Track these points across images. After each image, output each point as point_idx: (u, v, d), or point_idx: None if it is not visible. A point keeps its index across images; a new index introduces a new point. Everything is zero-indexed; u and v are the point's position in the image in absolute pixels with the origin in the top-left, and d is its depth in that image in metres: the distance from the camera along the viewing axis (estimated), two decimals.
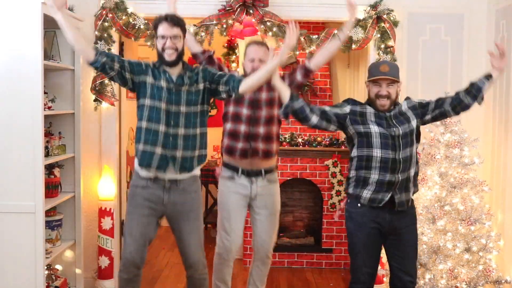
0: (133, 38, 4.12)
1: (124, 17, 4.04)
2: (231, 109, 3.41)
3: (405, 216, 2.93)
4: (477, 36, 4.27)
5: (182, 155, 2.97)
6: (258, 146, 3.34)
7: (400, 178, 2.84)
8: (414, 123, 2.93)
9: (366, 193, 2.88)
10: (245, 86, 2.97)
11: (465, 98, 2.98)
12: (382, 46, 4.12)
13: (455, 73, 4.30)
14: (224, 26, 4.11)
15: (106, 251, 4.07)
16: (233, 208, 3.40)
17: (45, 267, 3.39)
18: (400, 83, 2.96)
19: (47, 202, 3.42)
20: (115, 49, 4.15)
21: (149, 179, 3.01)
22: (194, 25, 4.08)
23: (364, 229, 2.90)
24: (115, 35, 4.14)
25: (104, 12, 4.04)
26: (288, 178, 5.02)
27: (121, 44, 4.53)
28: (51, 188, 3.65)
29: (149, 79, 3.00)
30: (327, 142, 5.02)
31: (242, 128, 3.35)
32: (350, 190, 2.96)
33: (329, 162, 4.95)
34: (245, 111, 3.36)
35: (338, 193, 5.00)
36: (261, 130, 3.35)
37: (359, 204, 2.91)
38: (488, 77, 2.99)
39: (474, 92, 2.98)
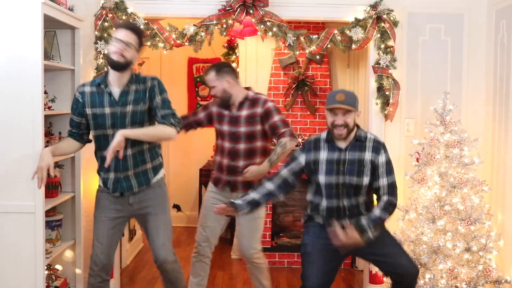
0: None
1: (124, 17, 4.04)
2: (217, 141, 3.59)
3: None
4: (477, 36, 4.27)
5: (134, 173, 3.01)
6: (237, 179, 3.45)
7: (347, 221, 2.88)
8: (366, 179, 2.88)
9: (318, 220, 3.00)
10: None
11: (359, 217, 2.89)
12: (382, 46, 4.13)
13: (455, 73, 4.30)
14: (224, 26, 4.11)
15: None
16: (208, 206, 3.51)
17: (45, 267, 3.38)
18: (357, 112, 2.91)
19: (47, 202, 3.42)
20: None
21: None
22: (194, 25, 4.08)
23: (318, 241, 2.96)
24: None
25: (104, 12, 4.04)
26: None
27: None
28: (51, 188, 3.65)
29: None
30: None
31: (224, 161, 3.50)
32: (304, 218, 3.11)
33: None
34: (226, 145, 3.47)
35: None
36: (241, 163, 3.43)
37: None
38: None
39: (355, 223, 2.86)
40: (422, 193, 3.79)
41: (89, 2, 4.10)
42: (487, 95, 4.23)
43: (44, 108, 3.42)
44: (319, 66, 5.23)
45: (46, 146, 3.54)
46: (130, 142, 2.94)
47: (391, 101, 4.14)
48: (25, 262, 3.25)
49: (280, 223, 5.31)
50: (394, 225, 3.99)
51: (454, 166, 3.71)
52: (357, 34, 4.09)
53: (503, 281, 3.68)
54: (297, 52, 4.21)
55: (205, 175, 5.82)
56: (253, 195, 2.96)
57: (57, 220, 3.76)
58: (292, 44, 4.09)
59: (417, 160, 3.88)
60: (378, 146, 2.91)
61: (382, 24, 4.10)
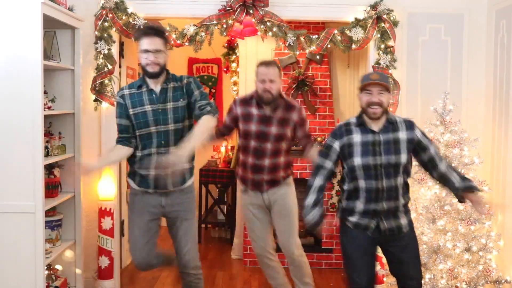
0: (133, 38, 4.12)
1: (124, 17, 4.05)
2: (241, 140, 3.62)
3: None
4: (477, 36, 4.27)
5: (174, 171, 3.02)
6: (263, 177, 3.54)
7: (385, 206, 2.84)
8: (404, 157, 2.84)
9: (352, 219, 2.93)
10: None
11: (454, 186, 2.90)
12: (382, 46, 4.13)
13: (455, 73, 4.30)
14: (224, 26, 4.11)
15: (106, 251, 4.07)
16: (250, 219, 3.68)
17: (45, 267, 3.39)
18: (391, 95, 2.93)
19: (47, 202, 3.42)
20: (115, 49, 4.15)
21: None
22: (194, 25, 4.08)
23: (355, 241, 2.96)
24: (115, 35, 4.14)
25: (104, 12, 4.04)
26: None
27: (121, 44, 4.53)
28: (51, 188, 3.65)
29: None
30: None
31: (250, 159, 3.55)
32: (339, 215, 3.05)
33: None
34: (252, 143, 3.52)
35: (338, 193, 5.00)
36: (266, 162, 3.51)
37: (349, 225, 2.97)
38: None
39: (465, 187, 2.88)
40: (422, 193, 3.79)
41: (89, 2, 4.10)
42: (487, 95, 4.23)
43: (44, 108, 3.42)
44: (319, 66, 5.23)
45: (46, 146, 3.55)
46: (173, 140, 3.02)
47: (391, 101, 4.13)
48: (25, 262, 3.25)
49: None
50: None
51: (454, 166, 3.71)
52: (357, 34, 4.09)
53: (503, 281, 3.68)
54: (297, 52, 4.21)
55: (205, 175, 5.82)
56: (315, 198, 2.92)
57: (57, 220, 3.76)
58: (292, 44, 4.09)
59: None
60: (411, 124, 2.91)
61: (382, 24, 4.10)
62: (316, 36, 4.13)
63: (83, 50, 4.02)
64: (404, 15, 4.22)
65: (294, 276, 3.72)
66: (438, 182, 3.03)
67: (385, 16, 4.10)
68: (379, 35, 4.12)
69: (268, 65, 3.47)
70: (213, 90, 6.68)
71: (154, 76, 2.99)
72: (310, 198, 2.91)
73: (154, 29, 2.98)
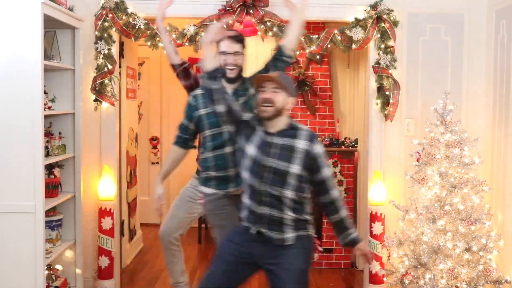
0: (133, 38, 4.12)
1: (124, 17, 4.05)
2: None
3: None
4: (477, 36, 4.27)
5: None
6: None
7: (267, 212, 2.58)
8: (295, 168, 2.55)
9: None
10: (290, 45, 3.17)
11: (338, 233, 2.71)
12: (382, 46, 4.12)
13: (455, 73, 4.30)
14: (224, 26, 4.11)
15: (106, 251, 4.07)
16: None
17: (45, 267, 3.38)
18: (290, 98, 2.64)
19: (47, 202, 3.42)
20: (115, 49, 4.15)
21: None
22: (194, 25, 4.08)
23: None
24: (115, 35, 4.14)
25: (104, 12, 4.04)
26: None
27: (121, 44, 4.53)
28: (51, 188, 3.65)
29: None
30: (327, 142, 5.02)
31: None
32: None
33: (329, 162, 4.95)
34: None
35: None
36: None
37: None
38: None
39: (346, 243, 2.70)
40: (422, 193, 3.78)
41: (89, 2, 4.10)
42: (487, 95, 4.22)
43: (44, 108, 3.42)
44: (319, 66, 5.23)
45: (46, 146, 3.55)
46: None
47: (391, 101, 4.14)
48: (25, 262, 3.25)
49: None
50: (394, 225, 3.99)
51: (455, 166, 3.71)
52: (357, 34, 4.09)
53: (503, 281, 3.68)
54: (297, 52, 4.21)
55: None
56: None
57: (57, 220, 3.76)
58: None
59: (417, 160, 3.87)
60: (312, 136, 2.68)
61: (382, 24, 4.10)
62: (316, 36, 4.13)
63: (83, 50, 4.02)
64: (404, 15, 4.22)
65: None
66: (325, 213, 2.73)
67: (385, 16, 4.10)
68: (379, 35, 4.12)
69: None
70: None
71: (233, 81, 3.06)
72: None
73: (233, 34, 3.11)
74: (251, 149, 2.63)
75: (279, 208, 2.58)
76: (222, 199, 3.10)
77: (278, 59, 3.20)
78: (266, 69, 3.18)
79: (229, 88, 3.06)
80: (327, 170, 2.64)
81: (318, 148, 2.61)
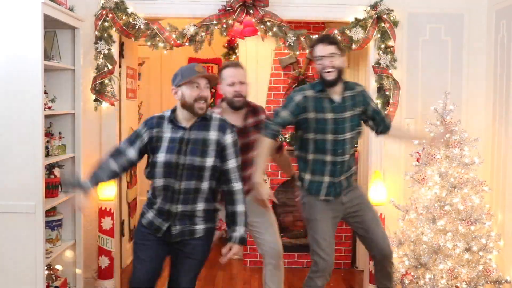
0: (133, 38, 4.13)
1: (124, 17, 4.05)
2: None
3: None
4: (477, 36, 4.27)
5: (345, 177, 3.18)
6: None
7: (179, 209, 2.65)
8: (210, 161, 2.63)
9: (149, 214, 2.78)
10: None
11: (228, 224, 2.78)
12: (382, 46, 4.13)
13: (455, 73, 4.30)
14: (224, 26, 4.11)
15: (106, 251, 4.07)
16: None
17: (45, 267, 3.38)
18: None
19: (47, 202, 3.42)
20: (115, 49, 4.15)
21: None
22: (194, 25, 4.08)
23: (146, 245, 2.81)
24: (115, 35, 4.14)
25: (104, 12, 4.04)
26: (288, 178, 5.01)
27: (121, 44, 4.53)
28: (51, 188, 3.64)
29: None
30: None
31: None
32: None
33: None
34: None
35: None
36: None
37: None
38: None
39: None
40: (422, 193, 3.79)
41: (89, 2, 4.10)
42: (487, 95, 4.22)
43: (44, 108, 3.42)
44: None
45: (46, 146, 3.55)
46: (348, 149, 3.10)
47: (391, 101, 4.14)
48: (25, 262, 3.25)
49: (280, 223, 5.30)
50: (394, 225, 3.99)
51: (455, 166, 3.71)
52: (357, 34, 4.09)
53: (503, 281, 3.68)
54: (297, 52, 4.21)
55: None
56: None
57: (57, 220, 3.76)
58: (292, 44, 4.09)
59: (418, 160, 3.88)
60: (224, 125, 2.72)
61: (382, 24, 4.10)
62: (316, 36, 4.13)
63: (83, 50, 4.02)
64: (404, 15, 4.22)
65: (272, 282, 3.30)
66: (225, 201, 2.75)
67: (385, 16, 4.10)
68: (379, 35, 4.12)
69: (236, 66, 3.17)
70: (213, 90, 6.67)
71: (332, 83, 3.03)
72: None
73: (328, 38, 3.16)
74: (162, 156, 2.68)
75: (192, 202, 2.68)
76: (316, 201, 3.16)
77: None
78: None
79: (334, 94, 3.07)
80: (233, 162, 2.68)
81: (229, 138, 2.67)
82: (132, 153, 2.71)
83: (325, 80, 3.02)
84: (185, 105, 2.63)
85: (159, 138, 2.66)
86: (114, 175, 2.76)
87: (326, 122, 3.03)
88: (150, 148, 2.69)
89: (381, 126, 3.24)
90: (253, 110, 3.27)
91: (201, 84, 2.63)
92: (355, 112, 3.11)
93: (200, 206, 2.69)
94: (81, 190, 2.69)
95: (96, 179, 2.73)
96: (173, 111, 2.72)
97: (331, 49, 3.02)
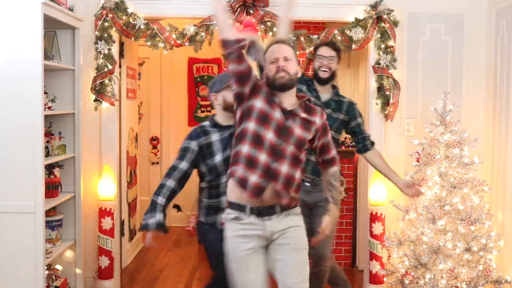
0: (133, 38, 4.12)
1: (124, 17, 4.05)
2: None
3: None
4: (477, 36, 4.27)
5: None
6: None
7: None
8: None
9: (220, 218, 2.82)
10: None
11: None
12: (382, 46, 4.12)
13: (455, 73, 4.30)
14: None
15: (106, 251, 4.07)
16: None
17: (45, 267, 3.38)
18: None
19: (47, 202, 3.42)
20: (115, 49, 4.15)
21: None
22: (194, 25, 4.08)
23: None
24: (115, 35, 4.14)
25: (104, 12, 4.04)
26: None
27: (121, 44, 4.53)
28: (51, 188, 3.65)
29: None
30: None
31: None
32: (202, 219, 2.90)
33: None
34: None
35: None
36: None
37: None
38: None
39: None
40: None
41: (89, 2, 4.10)
42: (487, 95, 4.22)
43: (44, 108, 3.42)
44: None
45: (46, 146, 3.55)
46: None
47: (391, 101, 4.14)
48: (25, 262, 3.25)
49: None
50: (394, 225, 3.99)
51: (454, 166, 3.71)
52: (357, 34, 4.09)
53: (503, 281, 3.68)
54: (297, 52, 4.21)
55: None
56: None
57: (57, 220, 3.76)
58: (292, 44, 4.09)
59: (417, 160, 3.87)
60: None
61: (382, 24, 4.10)
62: (316, 36, 4.13)
63: (83, 50, 4.02)
64: (404, 15, 4.22)
65: None
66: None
67: (385, 16, 4.10)
68: (379, 35, 4.12)
69: (281, 43, 2.70)
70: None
71: (324, 81, 3.35)
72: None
73: (331, 43, 3.54)
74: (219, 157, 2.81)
75: None
76: None
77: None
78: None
79: (322, 92, 3.38)
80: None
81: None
82: (185, 165, 2.76)
83: (319, 77, 3.37)
84: (228, 108, 2.78)
85: (209, 144, 2.78)
86: (175, 194, 2.77)
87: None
88: (201, 156, 2.77)
89: (360, 144, 3.49)
90: (308, 107, 2.70)
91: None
92: (338, 116, 3.39)
93: None
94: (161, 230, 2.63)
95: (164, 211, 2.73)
96: (212, 119, 2.86)
97: (333, 53, 3.37)
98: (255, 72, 2.69)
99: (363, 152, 3.50)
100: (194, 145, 2.76)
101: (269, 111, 2.54)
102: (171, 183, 2.70)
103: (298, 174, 2.57)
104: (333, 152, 2.76)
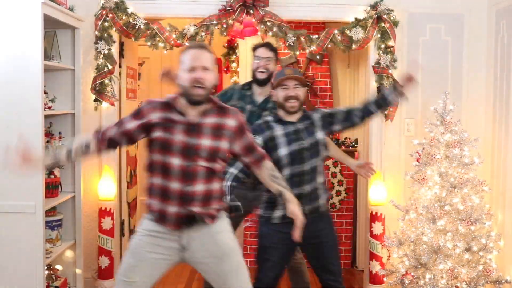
0: (133, 38, 4.12)
1: (124, 17, 4.05)
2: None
3: (319, 221, 2.98)
4: (477, 36, 4.27)
5: None
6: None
7: (307, 189, 2.93)
8: (319, 134, 2.98)
9: (277, 213, 2.95)
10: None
11: (372, 107, 3.00)
12: (382, 46, 4.12)
13: (455, 73, 4.30)
14: (224, 26, 4.11)
15: (106, 251, 4.07)
16: None
17: (45, 267, 3.38)
18: (305, 85, 3.03)
19: (47, 202, 3.42)
20: (115, 49, 4.15)
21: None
22: (194, 25, 4.08)
23: (278, 247, 2.95)
24: (115, 35, 4.14)
25: (104, 12, 4.04)
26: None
27: (121, 44, 4.53)
28: (51, 188, 3.64)
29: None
30: None
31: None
32: (261, 212, 3.04)
33: (329, 162, 4.95)
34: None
35: (338, 193, 5.00)
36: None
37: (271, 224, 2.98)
38: (396, 88, 2.96)
39: (380, 102, 3.00)
40: (422, 193, 3.78)
41: (89, 2, 4.10)
42: (487, 95, 4.22)
43: (44, 108, 3.42)
44: (319, 66, 5.23)
45: (46, 146, 3.55)
46: None
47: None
48: (25, 262, 3.25)
49: None
50: (394, 225, 3.99)
51: (454, 166, 3.71)
52: (357, 34, 4.09)
53: (503, 281, 3.68)
54: (297, 52, 4.21)
55: None
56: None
57: (57, 220, 3.76)
58: (292, 44, 4.09)
59: (417, 160, 3.88)
60: (316, 111, 3.10)
61: (382, 24, 4.10)
62: (316, 36, 4.13)
63: (83, 50, 4.02)
64: (404, 15, 4.22)
65: None
66: (363, 120, 3.04)
67: (385, 16, 4.10)
68: (379, 35, 4.12)
69: (201, 48, 2.48)
70: (213, 90, 6.66)
71: (262, 83, 3.40)
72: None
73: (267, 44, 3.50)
74: (284, 150, 2.96)
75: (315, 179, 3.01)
76: None
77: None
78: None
79: (258, 95, 3.43)
80: (336, 109, 3.13)
81: (325, 111, 3.11)
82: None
83: (257, 79, 3.41)
84: (280, 105, 2.99)
85: (272, 138, 2.95)
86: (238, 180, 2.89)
87: (244, 111, 3.28)
88: (265, 150, 2.79)
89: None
90: (221, 109, 2.55)
91: (289, 85, 2.93)
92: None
93: (321, 178, 2.99)
94: None
95: None
96: (275, 114, 3.05)
97: (270, 54, 3.41)
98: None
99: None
100: (258, 139, 2.93)
101: (168, 137, 2.39)
102: (233, 171, 2.88)
103: (215, 186, 2.47)
104: (260, 149, 2.64)
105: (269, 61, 3.39)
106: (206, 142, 2.42)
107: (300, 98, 2.96)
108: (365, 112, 3.00)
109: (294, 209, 2.53)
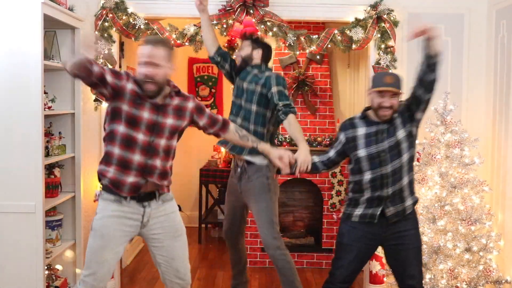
0: (133, 38, 4.12)
1: (124, 17, 4.04)
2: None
3: (403, 222, 2.96)
4: (477, 36, 4.27)
5: None
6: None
7: (390, 191, 2.89)
8: (401, 132, 2.91)
9: (358, 211, 2.97)
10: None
11: (421, 71, 2.89)
12: (382, 46, 4.12)
13: (455, 73, 4.29)
14: (224, 26, 4.11)
15: None
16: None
17: (45, 267, 3.38)
18: (401, 94, 2.94)
19: (47, 202, 3.42)
20: (115, 49, 4.15)
21: None
22: (194, 25, 4.09)
23: (356, 244, 2.97)
24: (115, 35, 4.14)
25: (104, 12, 4.04)
26: (288, 178, 5.02)
27: (121, 44, 4.53)
28: (51, 188, 3.64)
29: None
30: (327, 142, 5.02)
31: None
32: (343, 208, 3.09)
33: None
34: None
35: (338, 193, 5.00)
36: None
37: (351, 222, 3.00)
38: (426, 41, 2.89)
39: (424, 60, 2.89)
40: (422, 193, 3.79)
41: (89, 2, 4.09)
42: (487, 95, 4.22)
43: (44, 108, 3.42)
44: (319, 66, 5.23)
45: (46, 146, 3.55)
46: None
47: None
48: (25, 262, 3.25)
49: (280, 223, 5.30)
50: None
51: (455, 166, 3.71)
52: (357, 34, 4.09)
53: (503, 281, 3.68)
54: (297, 52, 4.21)
55: (205, 175, 5.82)
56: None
57: (57, 220, 3.76)
58: (292, 44, 4.09)
59: (418, 160, 3.87)
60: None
61: (382, 24, 4.10)
62: (316, 36, 4.13)
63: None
64: (404, 15, 4.22)
65: None
66: (427, 88, 2.87)
67: (385, 16, 4.10)
68: (379, 35, 4.12)
69: (156, 44, 2.68)
70: (213, 90, 6.68)
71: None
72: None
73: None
74: (363, 151, 2.97)
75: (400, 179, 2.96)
76: None
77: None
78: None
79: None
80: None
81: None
82: (332, 153, 3.09)
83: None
84: (373, 110, 2.93)
85: (354, 137, 2.96)
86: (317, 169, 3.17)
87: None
88: (348, 148, 2.99)
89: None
90: (179, 93, 2.83)
91: (385, 94, 2.86)
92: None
93: (405, 180, 2.93)
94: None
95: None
96: (365, 111, 3.00)
97: (244, 43, 3.60)
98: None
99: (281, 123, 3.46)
100: (342, 136, 3.01)
101: (137, 114, 2.63)
102: (313, 160, 3.10)
103: (169, 164, 2.77)
104: (221, 117, 2.96)
105: (241, 49, 3.61)
106: (169, 121, 2.71)
107: (394, 107, 2.88)
108: (418, 80, 2.88)
109: (275, 152, 2.99)
